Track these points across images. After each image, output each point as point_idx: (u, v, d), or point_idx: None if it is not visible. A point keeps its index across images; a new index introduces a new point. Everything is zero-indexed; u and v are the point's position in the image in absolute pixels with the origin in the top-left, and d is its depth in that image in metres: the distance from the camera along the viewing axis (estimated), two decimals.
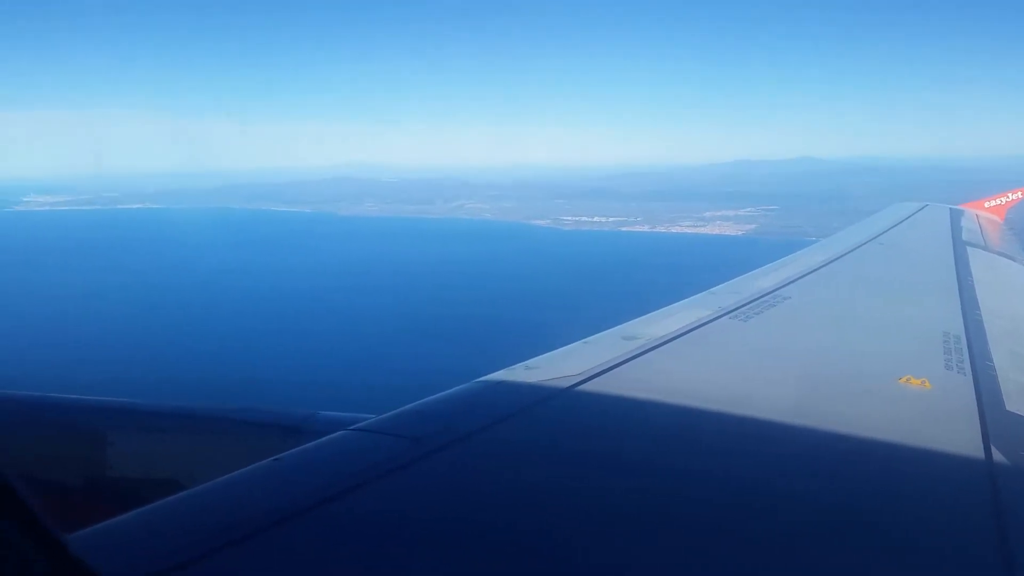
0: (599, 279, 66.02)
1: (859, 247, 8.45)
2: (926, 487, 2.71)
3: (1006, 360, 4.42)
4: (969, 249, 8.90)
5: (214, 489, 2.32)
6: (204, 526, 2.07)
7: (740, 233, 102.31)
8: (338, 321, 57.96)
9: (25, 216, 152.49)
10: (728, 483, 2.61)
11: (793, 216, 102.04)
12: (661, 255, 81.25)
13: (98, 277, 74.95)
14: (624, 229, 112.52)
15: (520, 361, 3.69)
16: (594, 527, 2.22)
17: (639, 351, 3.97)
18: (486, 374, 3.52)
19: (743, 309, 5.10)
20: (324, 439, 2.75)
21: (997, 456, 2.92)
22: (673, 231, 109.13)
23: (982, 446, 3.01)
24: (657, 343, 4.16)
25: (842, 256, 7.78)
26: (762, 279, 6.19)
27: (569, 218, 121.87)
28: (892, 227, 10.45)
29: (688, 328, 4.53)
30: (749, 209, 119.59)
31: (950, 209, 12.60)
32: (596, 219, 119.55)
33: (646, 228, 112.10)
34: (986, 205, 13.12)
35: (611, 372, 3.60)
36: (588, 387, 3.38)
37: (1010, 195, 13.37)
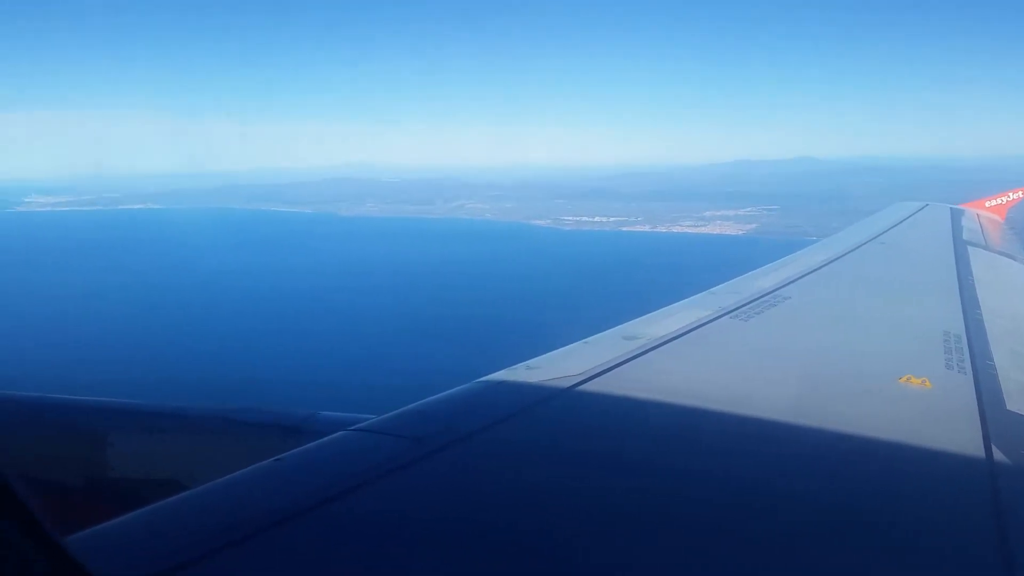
0: (600, 279, 66.02)
1: (859, 247, 8.45)
2: (927, 487, 2.71)
3: (1007, 359, 4.42)
4: (970, 248, 8.90)
5: (215, 489, 2.33)
6: (205, 526, 2.07)
7: (740, 233, 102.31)
8: (339, 321, 57.97)
9: (26, 217, 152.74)
10: (729, 483, 2.61)
11: (793, 216, 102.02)
12: (661, 255, 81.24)
13: (99, 278, 74.99)
14: (625, 229, 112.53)
15: (521, 361, 3.69)
16: (595, 527, 2.22)
17: (640, 351, 3.97)
18: (487, 374, 3.52)
19: (743, 309, 5.10)
20: (325, 439, 2.75)
21: (998, 455, 2.92)
22: (674, 231, 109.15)
23: (983, 445, 3.01)
24: (658, 343, 4.16)
25: (842, 256, 7.78)
26: (762, 279, 6.19)
27: (570, 218, 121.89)
28: (893, 227, 10.45)
29: (688, 328, 4.53)
30: (749, 209, 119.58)
31: (951, 209, 12.59)
32: (597, 219, 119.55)
33: (647, 228, 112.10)
34: (987, 205, 13.11)
35: (612, 372, 3.60)
36: (589, 387, 3.39)
37: (1011, 194, 13.35)
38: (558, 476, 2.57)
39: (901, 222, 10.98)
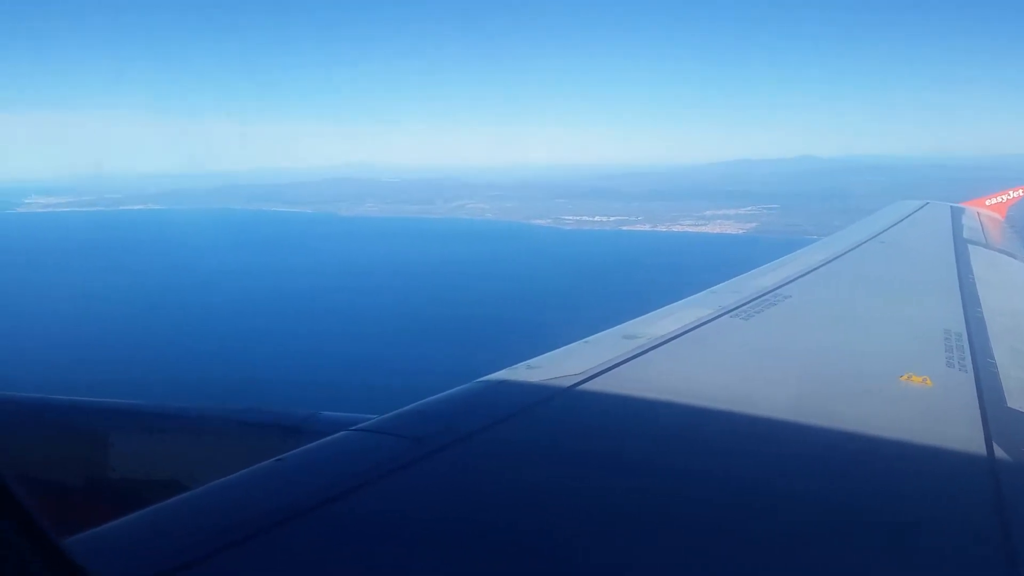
0: (600, 278, 65.99)
1: (860, 245, 8.45)
2: (928, 484, 2.71)
3: (1007, 357, 4.42)
4: (970, 247, 8.90)
5: (216, 490, 2.33)
6: (207, 527, 2.07)
7: (741, 232, 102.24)
8: (339, 321, 57.95)
9: (27, 218, 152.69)
10: (730, 482, 2.61)
11: (794, 215, 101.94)
12: (662, 254, 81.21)
13: (100, 278, 74.96)
14: (625, 228, 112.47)
15: (521, 361, 3.70)
16: (595, 527, 2.22)
17: (640, 350, 3.97)
18: (487, 374, 3.52)
19: (744, 308, 5.10)
20: (326, 439, 2.76)
21: (999, 453, 2.93)
22: (674, 230, 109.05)
23: (984, 443, 3.01)
24: (658, 342, 4.16)
25: (843, 254, 7.78)
26: (763, 278, 6.19)
27: (570, 218, 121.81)
28: (893, 225, 10.45)
29: (689, 327, 4.53)
30: (750, 208, 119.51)
31: (951, 207, 12.59)
32: (597, 218, 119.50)
33: (647, 227, 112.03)
34: (987, 203, 13.11)
35: (612, 371, 3.60)
36: (589, 386, 3.39)
37: (1011, 193, 13.35)
38: (558, 476, 2.57)
39: (901, 220, 10.98)
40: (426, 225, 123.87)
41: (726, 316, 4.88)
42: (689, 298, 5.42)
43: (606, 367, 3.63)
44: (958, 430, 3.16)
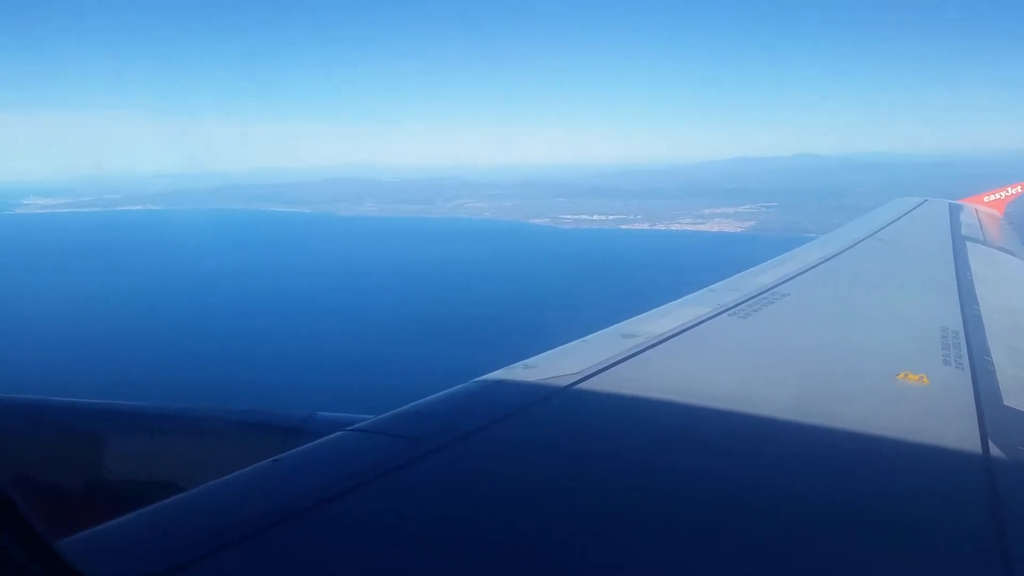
0: (598, 277, 65.97)
1: (858, 243, 8.46)
2: (924, 483, 2.71)
3: (1004, 356, 4.42)
4: (968, 244, 8.90)
5: (213, 490, 2.33)
6: (203, 527, 2.07)
7: (739, 230, 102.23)
8: (338, 321, 57.93)
9: (25, 219, 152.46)
10: (727, 481, 2.62)
11: (792, 213, 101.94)
12: (660, 253, 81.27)
13: (98, 279, 74.92)
14: (624, 227, 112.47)
15: (519, 360, 3.70)
16: (593, 526, 2.22)
17: (638, 349, 3.97)
18: (485, 373, 3.52)
19: (742, 306, 5.10)
20: (323, 440, 2.75)
21: (995, 451, 2.93)
22: (673, 228, 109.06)
23: (980, 441, 3.02)
24: (656, 341, 4.16)
25: (841, 252, 7.78)
26: (761, 276, 6.19)
27: (569, 216, 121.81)
28: (891, 223, 10.45)
29: (687, 326, 4.53)
30: (748, 206, 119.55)
31: (949, 204, 12.60)
32: (596, 217, 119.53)
33: (646, 226, 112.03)
34: (985, 200, 13.11)
35: (610, 370, 3.60)
36: (587, 386, 3.39)
37: (1009, 189, 13.35)
38: (556, 475, 2.57)
39: (899, 218, 10.99)
40: (425, 225, 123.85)
41: (724, 314, 4.88)
42: (687, 296, 5.42)
43: (604, 366, 3.63)
44: (954, 428, 3.16)
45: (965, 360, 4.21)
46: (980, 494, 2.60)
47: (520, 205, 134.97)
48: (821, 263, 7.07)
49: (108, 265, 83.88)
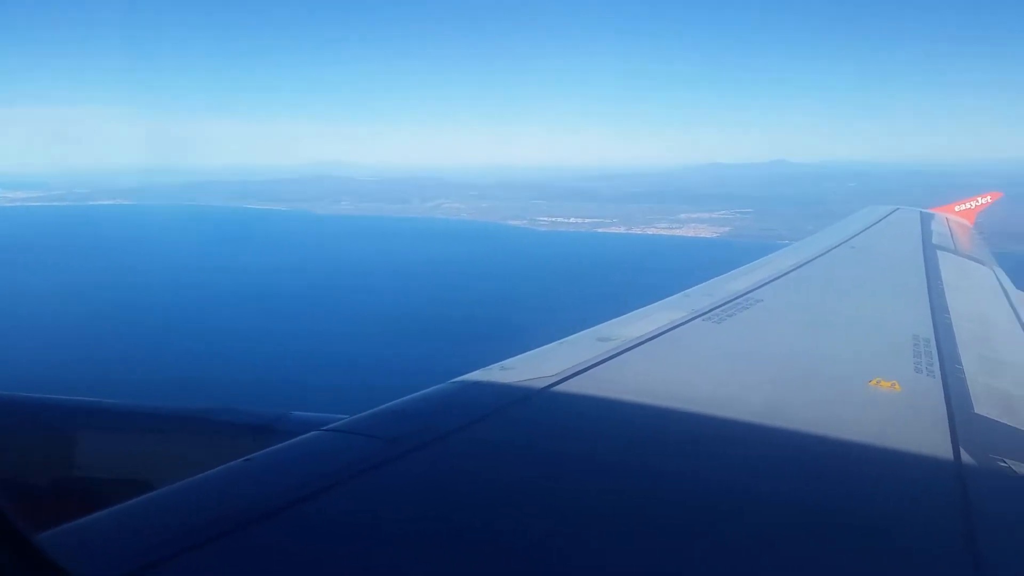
0: (575, 280, 66.09)
1: (831, 250, 8.55)
2: (896, 488, 2.74)
3: (975, 363, 4.49)
4: (939, 253, 9.04)
5: (184, 489, 2.30)
6: (173, 526, 2.05)
7: (715, 235, 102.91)
8: (313, 321, 57.61)
9: None
10: (702, 483, 2.63)
11: (767, 219, 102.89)
12: (636, 257, 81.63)
13: (69, 274, 73.90)
14: (600, 230, 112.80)
15: (495, 362, 3.69)
16: (570, 527, 2.23)
17: (614, 352, 3.99)
18: (461, 374, 3.51)
19: (716, 311, 5.14)
20: (297, 439, 2.73)
21: (966, 458, 2.96)
22: (649, 233, 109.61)
23: (951, 448, 3.05)
24: (632, 344, 4.18)
25: (814, 259, 7.87)
26: (735, 281, 6.24)
27: (546, 219, 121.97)
28: (863, 230, 10.58)
29: (662, 330, 4.56)
30: (724, 212, 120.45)
31: (920, 212, 12.78)
32: (573, 220, 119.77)
33: (622, 230, 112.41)
34: (956, 209, 13.32)
35: (586, 373, 3.61)
36: (563, 388, 3.39)
37: (979, 199, 13.58)
38: (532, 476, 2.57)
39: (872, 226, 11.13)
40: (401, 224, 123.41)
41: (699, 319, 4.91)
42: (663, 301, 5.45)
43: (580, 368, 3.64)
44: (926, 435, 3.20)
45: (936, 367, 4.27)
46: (951, 500, 2.63)
47: (497, 206, 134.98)
48: (794, 269, 7.14)
49: (81, 260, 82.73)
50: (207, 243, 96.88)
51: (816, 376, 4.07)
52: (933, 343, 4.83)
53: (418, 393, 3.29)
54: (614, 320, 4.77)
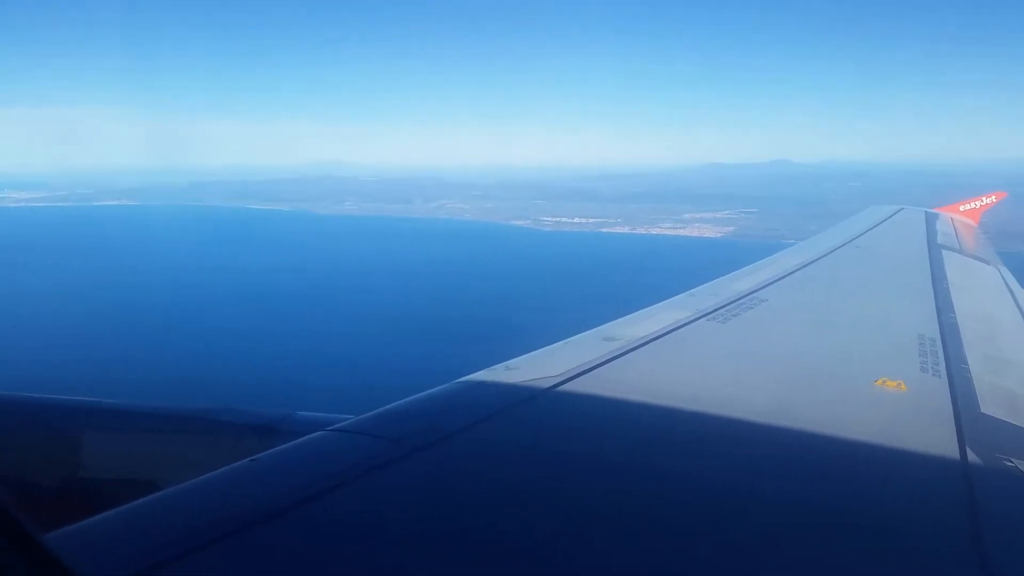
0: (579, 280, 66.13)
1: (835, 250, 8.53)
2: (902, 489, 2.73)
3: (980, 363, 4.48)
4: (944, 252, 9.01)
5: (190, 490, 2.30)
6: (179, 527, 2.05)
7: (719, 235, 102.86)
8: (316, 321, 57.66)
9: (1, 212, 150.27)
10: (707, 483, 2.62)
11: (771, 219, 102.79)
12: (640, 257, 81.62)
13: (72, 275, 74.06)
14: (604, 230, 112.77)
15: (500, 362, 3.69)
16: (575, 527, 2.22)
17: (619, 352, 3.98)
18: (466, 374, 3.51)
19: (721, 311, 5.13)
20: (302, 440, 2.73)
21: (972, 458, 2.95)
22: (653, 232, 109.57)
23: (957, 448, 3.04)
24: (637, 344, 4.17)
25: (819, 259, 7.85)
26: (740, 281, 6.23)
27: (549, 219, 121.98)
28: (868, 230, 10.56)
29: (667, 330, 4.55)
30: (728, 212, 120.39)
31: (925, 212, 12.74)
32: (576, 220, 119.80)
33: (626, 229, 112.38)
34: (961, 209, 13.29)
35: (591, 373, 3.60)
36: (568, 387, 3.39)
37: (984, 199, 13.55)
38: (537, 476, 2.57)
39: (876, 225, 11.10)
40: (404, 225, 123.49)
41: (704, 319, 4.90)
42: (668, 301, 5.44)
43: (585, 368, 3.63)
44: (932, 435, 3.19)
45: (942, 367, 4.25)
46: (957, 500, 2.62)
47: (500, 206, 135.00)
48: (799, 269, 7.12)
49: (83, 260, 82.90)
50: (210, 244, 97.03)
51: (821, 376, 4.06)
52: (939, 343, 4.82)
53: (423, 393, 3.29)
54: (619, 320, 4.76)
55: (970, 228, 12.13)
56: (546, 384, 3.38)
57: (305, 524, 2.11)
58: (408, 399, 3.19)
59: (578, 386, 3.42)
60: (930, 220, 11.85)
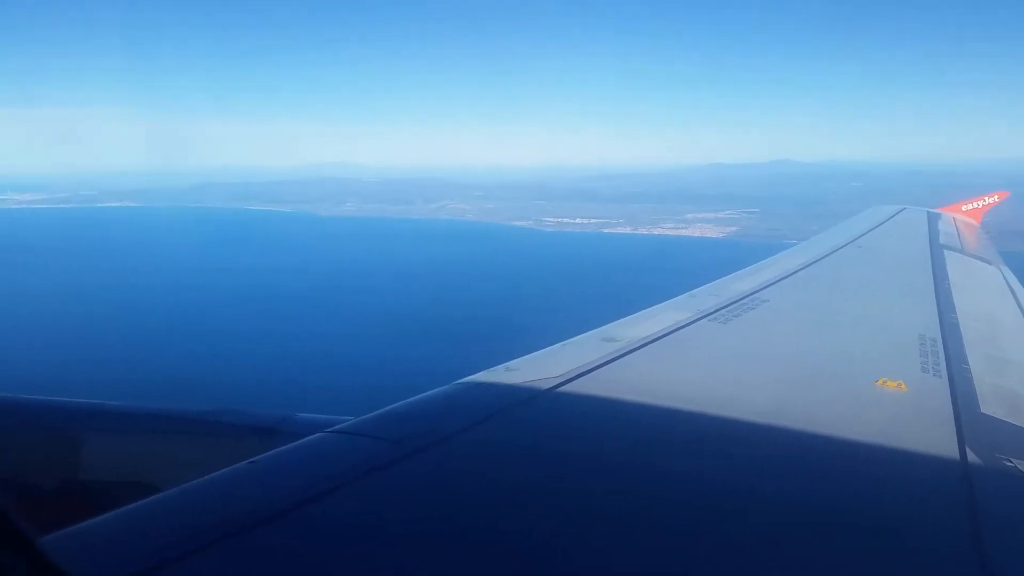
0: (580, 281, 66.15)
1: (837, 250, 8.52)
2: (903, 488, 2.73)
3: (981, 363, 4.47)
4: (946, 252, 9.00)
5: (190, 491, 2.30)
6: (180, 528, 2.05)
7: (721, 235, 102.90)
8: (317, 323, 57.70)
9: (2, 214, 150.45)
10: (707, 484, 2.62)
11: (773, 219, 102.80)
12: (642, 257, 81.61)
13: (75, 276, 74.20)
14: (606, 231, 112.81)
15: (501, 363, 3.68)
16: (576, 528, 2.22)
17: (619, 353, 3.97)
18: (466, 375, 3.50)
19: (722, 312, 5.12)
20: (302, 441, 2.72)
21: (972, 458, 2.95)
22: (655, 233, 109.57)
23: (957, 448, 3.04)
24: (637, 345, 4.16)
25: (820, 259, 7.84)
26: (741, 282, 6.22)
27: (551, 219, 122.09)
28: (870, 230, 10.54)
29: (668, 330, 4.54)
30: (729, 212, 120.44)
31: (927, 212, 12.72)
32: (578, 221, 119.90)
33: (628, 230, 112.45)
34: (963, 208, 13.27)
35: (591, 374, 3.60)
36: (568, 388, 3.38)
37: (986, 199, 13.53)
38: (537, 477, 2.56)
39: (878, 226, 11.08)
40: (405, 225, 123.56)
41: (705, 320, 4.89)
42: (669, 301, 5.43)
43: (585, 369, 3.63)
44: (932, 435, 3.18)
45: (943, 367, 4.25)
46: (958, 500, 2.61)
47: (502, 207, 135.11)
48: (801, 269, 7.11)
49: (85, 262, 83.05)
50: (212, 245, 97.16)
51: (822, 376, 4.05)
52: (940, 343, 4.81)
53: (423, 394, 3.29)
54: (620, 321, 4.75)
55: (972, 228, 12.11)
56: (546, 385, 3.37)
57: (305, 526, 2.11)
58: (408, 400, 3.19)
59: (578, 387, 3.41)
60: (932, 220, 11.83)
